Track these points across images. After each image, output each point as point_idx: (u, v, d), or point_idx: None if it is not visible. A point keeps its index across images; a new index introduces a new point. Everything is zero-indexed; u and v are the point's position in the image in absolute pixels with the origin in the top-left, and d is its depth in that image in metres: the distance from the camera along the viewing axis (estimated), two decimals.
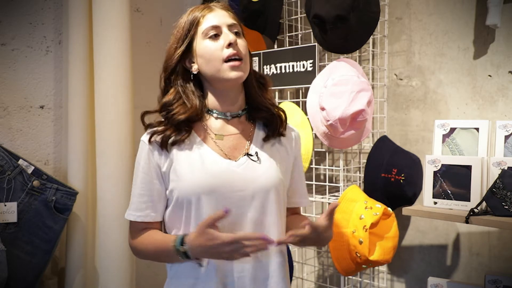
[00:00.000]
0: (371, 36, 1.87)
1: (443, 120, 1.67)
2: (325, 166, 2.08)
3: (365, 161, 1.91)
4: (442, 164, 1.60)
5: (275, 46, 2.13)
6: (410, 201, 1.80)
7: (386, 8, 2.00)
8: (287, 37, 2.14)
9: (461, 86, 1.84)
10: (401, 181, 1.78)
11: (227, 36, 1.14)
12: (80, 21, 1.84)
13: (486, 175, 1.53)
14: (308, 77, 1.86)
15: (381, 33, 2.01)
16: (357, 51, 1.97)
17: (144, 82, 2.05)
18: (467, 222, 1.45)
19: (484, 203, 1.49)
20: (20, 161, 1.70)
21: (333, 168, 2.04)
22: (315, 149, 1.97)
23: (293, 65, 1.92)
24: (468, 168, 1.54)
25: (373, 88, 2.01)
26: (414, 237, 2.00)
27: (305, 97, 1.86)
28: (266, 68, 2.01)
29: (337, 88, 1.67)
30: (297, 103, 1.98)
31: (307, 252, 2.29)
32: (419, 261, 1.99)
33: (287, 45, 2.12)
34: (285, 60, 1.94)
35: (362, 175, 2.01)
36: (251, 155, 1.18)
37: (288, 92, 2.13)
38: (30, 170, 1.71)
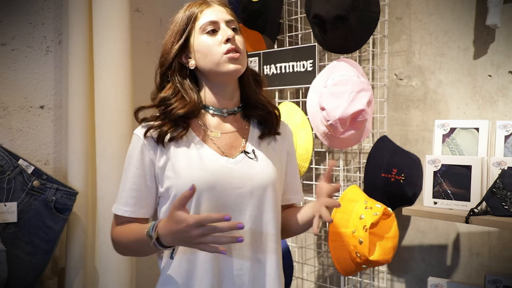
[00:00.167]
0: (371, 36, 1.87)
1: (443, 120, 1.67)
2: (325, 166, 2.08)
3: (365, 161, 1.91)
4: (442, 164, 1.60)
5: (275, 46, 2.13)
6: (410, 201, 1.80)
7: (386, 8, 2.00)
8: (287, 37, 2.15)
9: (461, 86, 1.84)
10: (401, 181, 1.78)
11: (225, 31, 1.14)
12: (80, 21, 1.84)
13: (486, 175, 1.53)
14: (308, 77, 1.86)
15: (381, 33, 2.01)
16: (357, 51, 1.97)
17: (144, 82, 2.03)
18: (467, 222, 1.45)
19: (484, 203, 1.49)
20: (20, 161, 1.70)
21: (333, 168, 2.04)
22: (315, 149, 1.97)
23: (293, 65, 1.92)
24: (468, 168, 1.54)
25: (373, 88, 2.01)
26: (414, 237, 2.00)
27: (305, 97, 1.86)
28: (266, 68, 2.01)
29: (337, 88, 1.67)
30: (297, 103, 1.98)
31: (307, 252, 2.29)
32: (419, 261, 1.99)
33: (287, 45, 2.12)
34: (285, 60, 1.94)
35: (362, 175, 2.01)
36: (248, 153, 1.18)
37: (288, 92, 2.13)
38: (30, 170, 1.71)
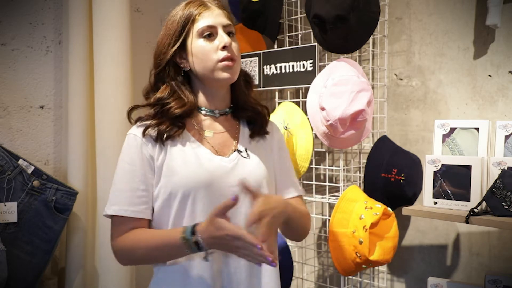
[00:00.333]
0: (371, 36, 1.87)
1: (443, 120, 1.67)
2: (325, 166, 2.08)
3: (365, 161, 1.91)
4: (442, 164, 1.60)
5: (275, 46, 2.13)
6: (410, 201, 1.80)
7: (386, 8, 1.99)
8: (287, 37, 2.14)
9: (461, 86, 1.84)
10: (401, 181, 1.78)
11: (222, 38, 1.15)
12: (80, 21, 1.84)
13: (486, 175, 1.53)
14: (308, 77, 1.86)
15: (381, 33, 2.01)
16: (357, 51, 1.97)
17: (144, 82, 2.02)
18: (467, 222, 1.45)
19: (484, 203, 1.49)
20: (20, 161, 1.70)
21: (333, 168, 2.04)
22: (315, 149, 1.97)
23: (293, 65, 1.92)
24: (468, 168, 1.54)
25: (373, 88, 2.01)
26: (414, 237, 2.00)
27: (305, 97, 1.86)
28: (266, 68, 2.01)
29: (337, 88, 1.67)
30: (297, 103, 1.98)
31: (307, 252, 2.29)
32: (419, 261, 1.99)
33: (287, 45, 2.11)
34: (285, 60, 1.94)
35: (362, 175, 2.01)
36: (241, 152, 1.20)
37: (288, 92, 2.13)
38: (30, 170, 1.71)
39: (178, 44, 1.16)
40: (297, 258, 2.21)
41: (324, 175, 2.20)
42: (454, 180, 1.57)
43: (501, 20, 1.65)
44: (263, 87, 2.04)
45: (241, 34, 2.21)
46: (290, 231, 1.27)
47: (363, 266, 1.67)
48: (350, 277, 2.01)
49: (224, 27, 1.17)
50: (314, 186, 2.02)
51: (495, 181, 1.45)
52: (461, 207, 1.55)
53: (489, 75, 1.77)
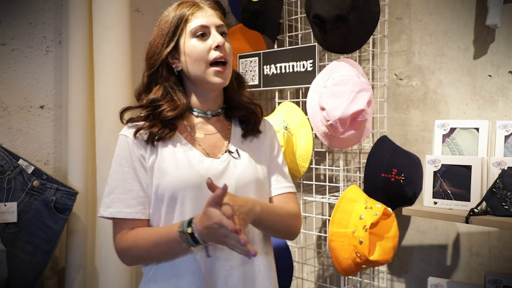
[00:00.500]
0: (371, 36, 1.87)
1: (443, 120, 1.67)
2: (325, 166, 2.08)
3: (365, 161, 1.91)
4: (442, 164, 1.60)
5: (275, 46, 2.13)
6: (410, 201, 1.80)
7: (386, 8, 1.99)
8: (287, 37, 2.14)
9: (461, 86, 1.84)
10: (401, 181, 1.78)
11: (216, 38, 1.15)
12: (80, 21, 1.84)
13: (486, 175, 1.53)
14: (308, 77, 1.86)
15: (381, 33, 2.01)
16: (357, 51, 1.97)
17: None
18: (467, 222, 1.45)
19: (484, 203, 1.48)
20: (20, 161, 1.70)
21: (333, 168, 2.04)
22: (315, 149, 1.97)
23: (293, 65, 1.92)
24: (468, 168, 1.54)
25: (373, 88, 2.01)
26: (414, 237, 2.00)
27: (305, 97, 1.86)
28: (266, 68, 2.01)
29: (337, 88, 1.67)
30: (297, 103, 1.98)
31: (307, 252, 2.29)
32: (419, 261, 1.99)
33: (287, 45, 2.11)
34: (285, 60, 1.94)
35: (362, 175, 2.01)
36: (232, 152, 1.20)
37: (288, 92, 2.13)
38: (30, 170, 1.71)
39: (172, 44, 1.16)
40: (297, 258, 2.21)
41: (324, 175, 2.20)
42: (454, 180, 1.57)
43: (501, 20, 1.65)
44: (263, 87, 2.04)
45: (241, 34, 2.21)
46: (267, 231, 1.24)
47: (363, 266, 1.67)
48: (350, 277, 2.01)
49: (217, 27, 1.17)
50: (314, 186, 2.02)
51: (495, 181, 1.45)
52: (461, 207, 1.55)
53: (489, 75, 1.77)
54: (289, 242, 2.03)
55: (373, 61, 2.04)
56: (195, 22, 1.15)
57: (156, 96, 1.17)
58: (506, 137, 1.54)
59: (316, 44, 1.84)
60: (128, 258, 1.18)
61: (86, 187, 1.86)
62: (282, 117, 1.86)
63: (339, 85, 1.68)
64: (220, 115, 1.25)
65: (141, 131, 1.15)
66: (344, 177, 1.95)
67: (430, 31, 1.91)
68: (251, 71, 2.06)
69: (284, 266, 1.75)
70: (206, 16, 1.16)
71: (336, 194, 1.98)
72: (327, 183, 1.97)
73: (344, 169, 1.92)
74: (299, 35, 2.11)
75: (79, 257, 1.84)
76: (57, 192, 1.74)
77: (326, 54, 2.11)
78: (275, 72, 1.98)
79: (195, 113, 1.21)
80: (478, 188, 1.52)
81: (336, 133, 1.71)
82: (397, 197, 1.81)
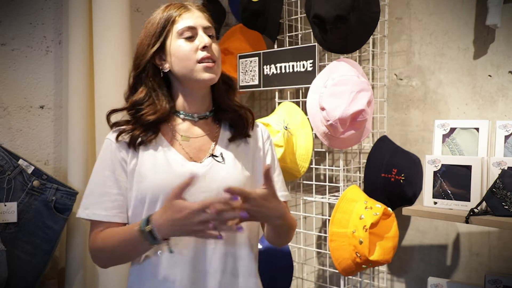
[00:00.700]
0: (371, 36, 1.87)
1: (443, 120, 1.67)
2: (325, 166, 2.08)
3: (365, 161, 1.91)
4: (442, 164, 1.60)
5: (275, 46, 2.13)
6: (410, 201, 1.80)
7: (386, 8, 1.99)
8: (287, 37, 2.14)
9: (461, 86, 1.84)
10: (401, 181, 1.78)
11: (203, 38, 1.15)
12: (80, 21, 1.84)
13: (486, 175, 1.53)
14: (308, 77, 1.86)
15: (381, 33, 2.01)
16: (357, 51, 1.97)
17: None
18: (467, 222, 1.45)
19: (484, 203, 1.48)
20: (20, 161, 1.70)
21: (333, 168, 2.04)
22: (315, 149, 1.97)
23: (293, 65, 1.92)
24: (468, 168, 1.54)
25: (373, 88, 2.01)
26: (414, 237, 2.00)
27: (305, 97, 1.86)
28: (266, 68, 2.01)
29: (337, 88, 1.67)
30: (297, 103, 1.98)
31: (307, 252, 2.29)
32: (419, 261, 1.99)
33: (287, 45, 2.11)
34: (285, 60, 1.94)
35: (362, 175, 2.01)
36: (216, 156, 1.18)
37: (288, 92, 2.13)
38: (30, 170, 1.71)
39: (157, 45, 1.15)
40: (297, 258, 2.21)
41: (324, 175, 2.20)
42: (454, 180, 1.57)
43: (501, 20, 1.65)
44: (263, 87, 2.04)
45: (241, 34, 2.21)
46: (272, 237, 1.25)
47: (363, 266, 1.67)
48: (350, 277, 2.01)
49: (205, 29, 1.17)
50: (314, 186, 2.02)
51: (495, 181, 1.45)
52: (461, 207, 1.55)
53: (489, 75, 1.77)
54: (289, 242, 2.03)
55: (373, 61, 2.04)
56: (182, 23, 1.15)
57: (139, 98, 1.17)
58: (506, 137, 1.54)
59: (316, 44, 1.84)
60: (99, 260, 1.18)
61: (86, 187, 1.86)
62: (282, 117, 1.86)
63: (339, 85, 1.68)
64: (208, 118, 1.24)
65: (123, 135, 1.15)
66: (344, 177, 1.95)
67: (430, 31, 1.91)
68: (251, 71, 2.06)
69: (284, 266, 1.75)
70: (194, 18, 1.16)
71: (336, 194, 1.98)
72: (327, 183, 1.97)
73: (344, 169, 1.92)
74: (299, 35, 2.11)
75: (79, 257, 1.84)
76: (57, 192, 1.74)
77: (326, 54, 2.11)
78: (275, 72, 1.98)
79: (181, 116, 1.20)
80: (478, 188, 1.52)
81: (336, 133, 1.71)
82: (397, 197, 1.81)
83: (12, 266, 1.59)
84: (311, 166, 1.96)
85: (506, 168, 1.48)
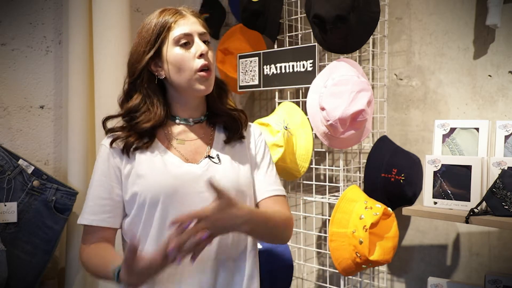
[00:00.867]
0: (371, 36, 1.87)
1: (443, 120, 1.67)
2: (325, 166, 2.08)
3: (365, 161, 1.91)
4: (442, 164, 1.60)
5: (275, 46, 2.13)
6: (410, 201, 1.80)
7: (386, 8, 1.99)
8: (287, 37, 2.14)
9: (461, 86, 1.84)
10: (401, 181, 1.78)
11: (199, 46, 1.15)
12: (80, 21, 1.84)
13: (486, 175, 1.53)
14: (308, 77, 1.86)
15: (381, 33, 2.01)
16: (357, 51, 1.97)
17: None
18: (467, 222, 1.45)
19: (484, 203, 1.48)
20: (20, 161, 1.70)
21: (333, 168, 2.04)
22: (315, 149, 1.97)
23: (293, 65, 1.92)
24: (468, 168, 1.54)
25: (373, 88, 2.01)
26: (414, 237, 2.00)
27: (305, 97, 1.86)
28: (266, 68, 2.01)
29: (337, 88, 1.67)
30: (297, 103, 1.98)
31: (307, 252, 2.29)
32: (419, 261, 1.99)
33: (287, 45, 2.11)
34: (285, 60, 1.94)
35: (362, 175, 2.01)
36: (212, 158, 1.19)
37: (288, 92, 2.13)
38: (30, 170, 1.71)
39: (153, 51, 1.15)
40: (297, 258, 2.21)
41: (324, 175, 2.20)
42: (454, 180, 1.57)
43: (501, 20, 1.65)
44: (263, 87, 2.04)
45: (241, 34, 2.21)
46: (257, 238, 1.24)
47: (363, 266, 1.67)
48: (350, 277, 2.01)
49: (200, 35, 1.17)
50: (314, 186, 2.02)
51: (495, 181, 1.45)
52: (461, 207, 1.55)
53: (489, 75, 1.77)
54: (289, 242, 2.03)
55: (373, 61, 2.04)
56: (178, 30, 1.14)
57: (134, 105, 1.17)
58: (506, 137, 1.54)
59: (316, 44, 1.84)
60: (87, 270, 1.20)
61: (86, 187, 1.84)
62: (282, 117, 1.86)
63: (339, 85, 1.68)
64: (203, 122, 1.25)
65: (117, 141, 1.16)
66: (344, 177, 1.95)
67: (430, 31, 1.91)
68: (251, 71, 2.06)
69: (284, 266, 1.75)
70: (189, 24, 1.16)
71: (336, 194, 1.98)
72: (327, 183, 1.97)
73: (344, 169, 1.92)
74: (299, 35, 2.11)
75: (79, 257, 1.84)
76: (57, 192, 1.74)
77: (326, 54, 2.11)
78: (275, 72, 1.98)
79: (177, 121, 1.21)
80: (478, 188, 1.52)
81: (336, 133, 1.71)
82: (397, 197, 1.81)
83: (12, 266, 1.59)
84: (311, 166, 1.96)
85: (506, 168, 1.48)
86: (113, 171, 1.16)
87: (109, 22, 1.81)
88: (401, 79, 2.01)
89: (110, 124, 1.22)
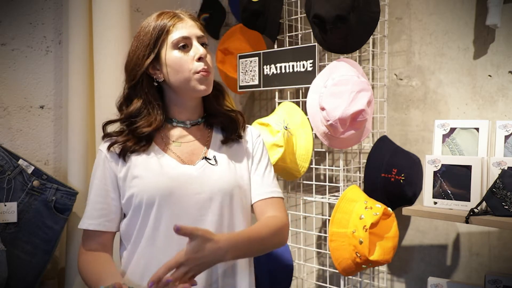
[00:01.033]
0: (371, 36, 1.87)
1: (443, 120, 1.67)
2: (325, 166, 2.08)
3: (365, 161, 1.91)
4: (442, 164, 1.60)
5: (275, 46, 2.13)
6: (410, 201, 1.80)
7: (386, 8, 1.99)
8: (287, 37, 2.14)
9: (461, 86, 1.84)
10: (401, 181, 1.78)
11: (197, 49, 1.15)
12: (80, 21, 1.84)
13: (486, 175, 1.53)
14: (308, 77, 1.86)
15: (381, 33, 2.01)
16: (357, 51, 1.97)
17: None
18: (467, 222, 1.45)
19: (484, 203, 1.48)
20: (20, 161, 1.70)
21: (333, 168, 2.04)
22: (315, 149, 1.97)
23: (293, 65, 1.92)
24: (468, 168, 1.54)
25: (373, 88, 2.01)
26: (414, 237, 2.00)
27: (305, 97, 1.86)
28: (266, 68, 2.01)
29: (337, 88, 1.67)
30: (297, 103, 1.98)
31: (307, 252, 2.29)
32: (419, 261, 1.99)
33: (287, 45, 2.11)
34: (285, 60, 1.94)
35: (362, 175, 2.01)
36: (209, 159, 1.19)
37: (288, 92, 2.13)
38: (30, 170, 1.71)
39: (152, 55, 1.15)
40: (297, 258, 2.21)
41: (324, 175, 2.20)
42: (454, 180, 1.57)
43: (501, 20, 1.65)
44: (263, 87, 2.04)
45: (241, 34, 2.21)
46: (247, 258, 1.22)
47: (363, 266, 1.67)
48: (350, 277, 2.01)
49: (198, 38, 1.17)
50: (314, 186, 2.02)
51: (495, 181, 1.45)
52: (461, 207, 1.55)
53: (489, 75, 1.78)
54: (289, 242, 2.03)
55: (373, 61, 2.04)
56: (176, 33, 1.15)
57: (134, 110, 1.17)
58: (506, 137, 1.54)
59: (316, 44, 1.84)
60: (79, 274, 1.20)
61: (86, 187, 1.86)
62: (282, 117, 1.86)
63: (339, 85, 1.68)
64: (200, 124, 1.25)
65: (115, 146, 1.16)
66: (344, 177, 1.95)
67: (430, 31, 1.91)
68: (251, 71, 2.06)
69: (284, 266, 1.75)
70: (187, 27, 1.16)
71: (336, 194, 1.98)
72: (327, 183, 1.97)
73: (344, 169, 1.92)
74: (299, 35, 2.11)
75: None
76: (57, 192, 1.74)
77: (326, 54, 2.11)
78: (275, 72, 1.98)
79: (174, 123, 1.22)
80: (478, 188, 1.52)
81: (336, 133, 1.71)
82: (397, 197, 1.81)
83: (12, 266, 1.59)
84: (311, 166, 1.96)
85: (506, 168, 1.48)
86: (108, 176, 1.17)
87: (109, 22, 1.81)
88: (401, 79, 2.01)
89: (110, 128, 1.22)
